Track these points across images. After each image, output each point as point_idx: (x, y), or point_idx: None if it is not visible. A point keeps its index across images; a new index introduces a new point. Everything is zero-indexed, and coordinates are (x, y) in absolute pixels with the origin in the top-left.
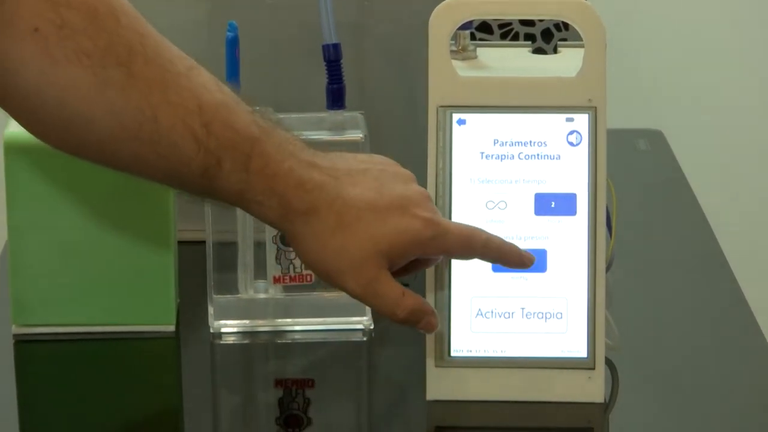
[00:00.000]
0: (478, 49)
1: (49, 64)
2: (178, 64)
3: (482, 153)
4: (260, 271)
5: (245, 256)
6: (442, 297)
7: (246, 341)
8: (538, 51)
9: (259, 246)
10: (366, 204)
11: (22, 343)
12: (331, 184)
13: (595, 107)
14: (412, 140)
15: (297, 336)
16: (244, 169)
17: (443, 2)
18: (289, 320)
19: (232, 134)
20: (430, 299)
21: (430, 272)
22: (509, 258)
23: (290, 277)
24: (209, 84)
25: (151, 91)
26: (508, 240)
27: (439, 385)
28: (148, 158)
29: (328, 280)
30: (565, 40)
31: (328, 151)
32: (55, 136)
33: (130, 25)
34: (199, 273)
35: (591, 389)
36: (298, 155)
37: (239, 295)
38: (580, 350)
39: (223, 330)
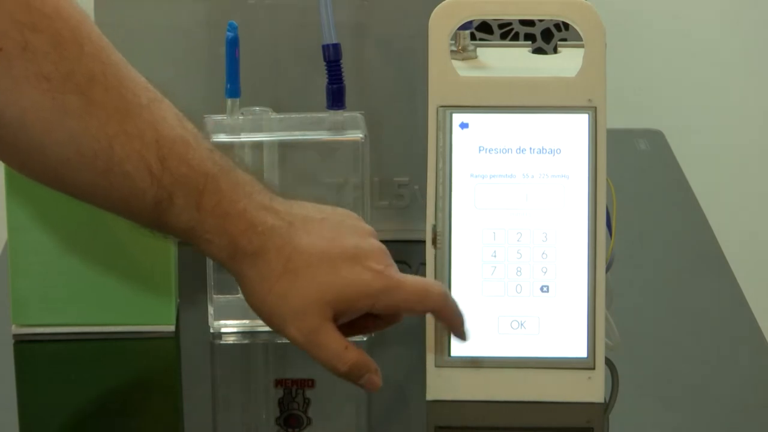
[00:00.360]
0: (478, 49)
1: (11, 85)
2: (141, 95)
3: (482, 153)
4: None
5: None
6: None
7: (246, 341)
8: (538, 51)
9: None
10: (317, 252)
11: (21, 343)
12: (284, 228)
13: (595, 107)
14: (412, 140)
15: None
16: (195, 206)
17: (443, 2)
18: None
19: (186, 170)
20: None
21: (429, 274)
22: (455, 324)
23: None
24: (170, 118)
25: (109, 120)
26: (509, 238)
27: (439, 385)
28: (101, 187)
29: (270, 325)
30: (565, 40)
31: (294, 196)
32: (16, 159)
33: (94, 53)
34: (199, 273)
35: (591, 389)
36: (254, 197)
37: (239, 295)
38: (580, 350)
39: (223, 330)
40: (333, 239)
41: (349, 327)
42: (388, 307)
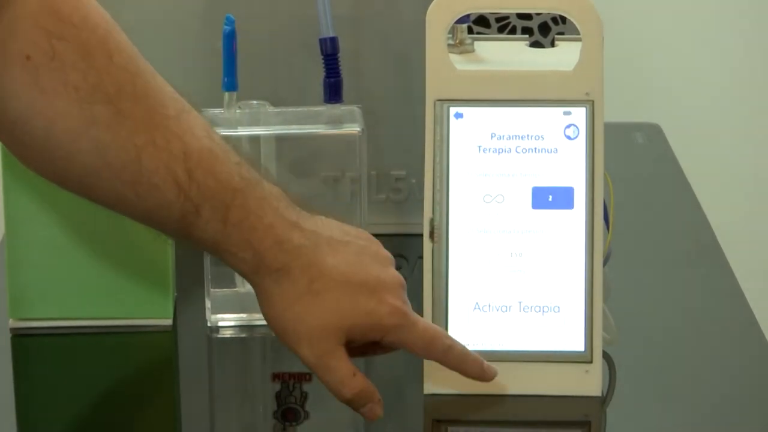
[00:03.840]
0: (476, 42)
1: (38, 94)
2: (169, 106)
3: (479, 147)
4: None
5: None
6: (440, 290)
7: (243, 335)
8: (535, 44)
9: None
10: (340, 276)
11: (19, 336)
12: (310, 248)
13: (593, 101)
14: (410, 134)
15: None
16: (221, 220)
17: None
18: None
19: (214, 183)
20: (426, 294)
21: (427, 268)
22: (470, 370)
23: None
24: (198, 130)
25: (137, 131)
26: (506, 232)
27: (436, 379)
28: (128, 198)
29: (283, 341)
30: (562, 33)
31: (316, 208)
32: (39, 165)
33: (122, 63)
34: (196, 266)
35: (588, 383)
36: (281, 213)
37: (236, 289)
38: (577, 344)
39: (220, 323)
40: (355, 266)
41: (349, 348)
42: (395, 344)
